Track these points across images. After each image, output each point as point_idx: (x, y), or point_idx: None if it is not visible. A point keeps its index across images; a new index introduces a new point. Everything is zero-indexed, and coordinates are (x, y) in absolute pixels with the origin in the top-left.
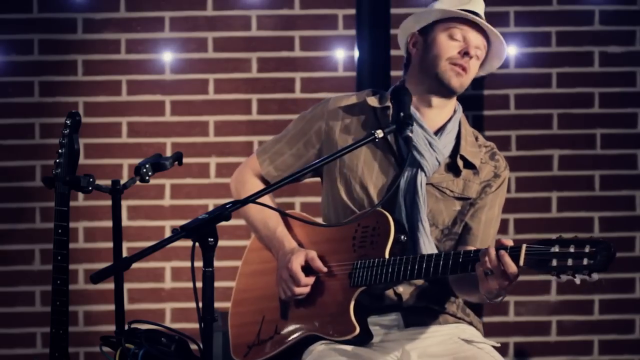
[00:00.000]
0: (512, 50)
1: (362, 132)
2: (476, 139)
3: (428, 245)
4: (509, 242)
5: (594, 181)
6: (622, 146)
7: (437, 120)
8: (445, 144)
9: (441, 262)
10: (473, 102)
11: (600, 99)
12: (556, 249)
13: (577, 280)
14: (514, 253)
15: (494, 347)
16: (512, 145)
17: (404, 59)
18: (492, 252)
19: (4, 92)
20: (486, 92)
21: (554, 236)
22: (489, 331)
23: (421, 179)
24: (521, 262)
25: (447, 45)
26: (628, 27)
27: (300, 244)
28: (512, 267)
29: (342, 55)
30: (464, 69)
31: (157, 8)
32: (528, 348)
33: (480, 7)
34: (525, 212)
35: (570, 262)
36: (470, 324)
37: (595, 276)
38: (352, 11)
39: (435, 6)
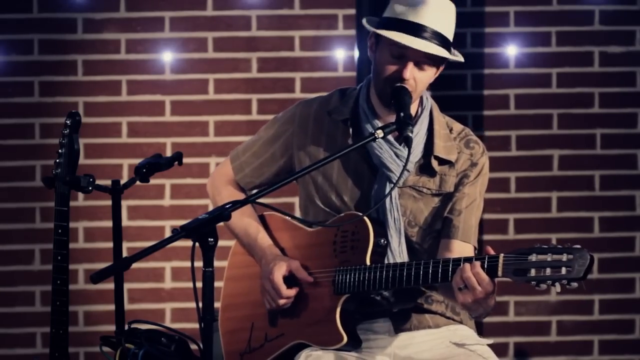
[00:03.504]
0: (512, 50)
1: (334, 139)
2: (450, 130)
3: (393, 257)
4: (489, 251)
5: (594, 181)
6: (622, 146)
7: None
8: (413, 148)
9: (421, 271)
10: (473, 102)
11: (600, 99)
12: (534, 258)
13: (557, 289)
14: (492, 263)
15: (489, 344)
16: (512, 145)
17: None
18: (467, 268)
19: (4, 92)
20: (486, 92)
21: (535, 244)
22: (489, 331)
23: (389, 191)
24: (499, 273)
25: (385, 65)
26: (628, 27)
27: (282, 250)
28: (485, 281)
29: (342, 55)
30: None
31: (157, 8)
32: (528, 348)
33: (429, 15)
34: (525, 212)
35: (548, 271)
36: (461, 322)
37: (574, 284)
38: (352, 11)
39: (389, 13)
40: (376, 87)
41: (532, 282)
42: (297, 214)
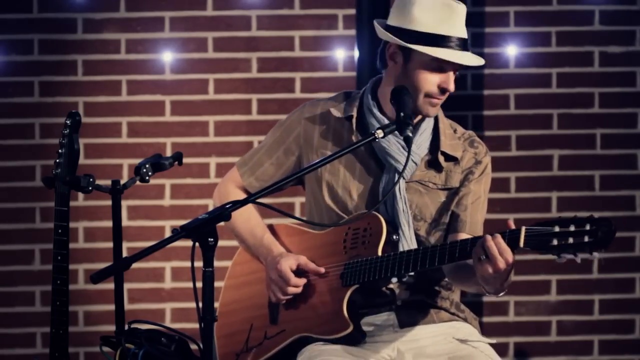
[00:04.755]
0: (512, 50)
1: (340, 137)
2: (454, 131)
3: (408, 246)
4: (511, 225)
5: (594, 181)
6: (622, 146)
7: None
8: (420, 144)
9: (438, 253)
10: (473, 102)
11: (600, 99)
12: (556, 229)
13: (578, 259)
14: (514, 235)
15: (490, 343)
16: (512, 145)
17: (379, 51)
18: (489, 237)
19: (4, 92)
20: (486, 92)
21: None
22: (489, 331)
23: (399, 184)
24: (521, 243)
25: (426, 80)
26: (628, 27)
27: (288, 251)
28: (504, 248)
29: (342, 55)
30: (440, 99)
31: (157, 8)
32: (528, 348)
33: (459, 25)
34: (525, 212)
35: (571, 240)
36: (465, 320)
37: (596, 254)
38: (352, 11)
39: (414, 24)
40: (414, 98)
41: (554, 252)
42: (298, 214)
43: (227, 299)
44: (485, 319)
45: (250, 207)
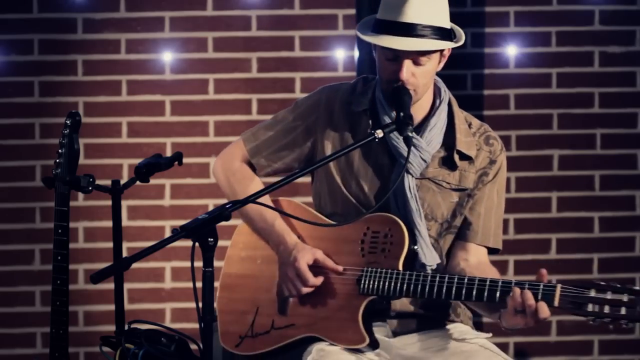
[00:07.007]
0: (512, 50)
1: (357, 128)
2: (469, 125)
3: (426, 250)
4: (544, 278)
5: (594, 181)
6: (622, 146)
7: (416, 116)
8: (430, 140)
9: (464, 287)
10: (473, 102)
11: (600, 99)
12: (592, 293)
13: (612, 327)
14: (548, 292)
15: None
16: (512, 145)
17: None
18: (529, 295)
19: (4, 92)
20: (486, 92)
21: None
22: (489, 331)
23: (408, 181)
24: (555, 303)
25: (383, 69)
26: (628, 27)
27: (300, 238)
28: (545, 313)
29: (342, 55)
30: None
31: (157, 8)
32: (528, 348)
33: (413, 10)
34: (525, 212)
35: (607, 309)
36: (461, 322)
37: (631, 325)
38: (352, 11)
39: (378, 13)
40: (381, 87)
41: (589, 317)
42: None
43: (231, 270)
44: (485, 319)
45: (258, 188)
